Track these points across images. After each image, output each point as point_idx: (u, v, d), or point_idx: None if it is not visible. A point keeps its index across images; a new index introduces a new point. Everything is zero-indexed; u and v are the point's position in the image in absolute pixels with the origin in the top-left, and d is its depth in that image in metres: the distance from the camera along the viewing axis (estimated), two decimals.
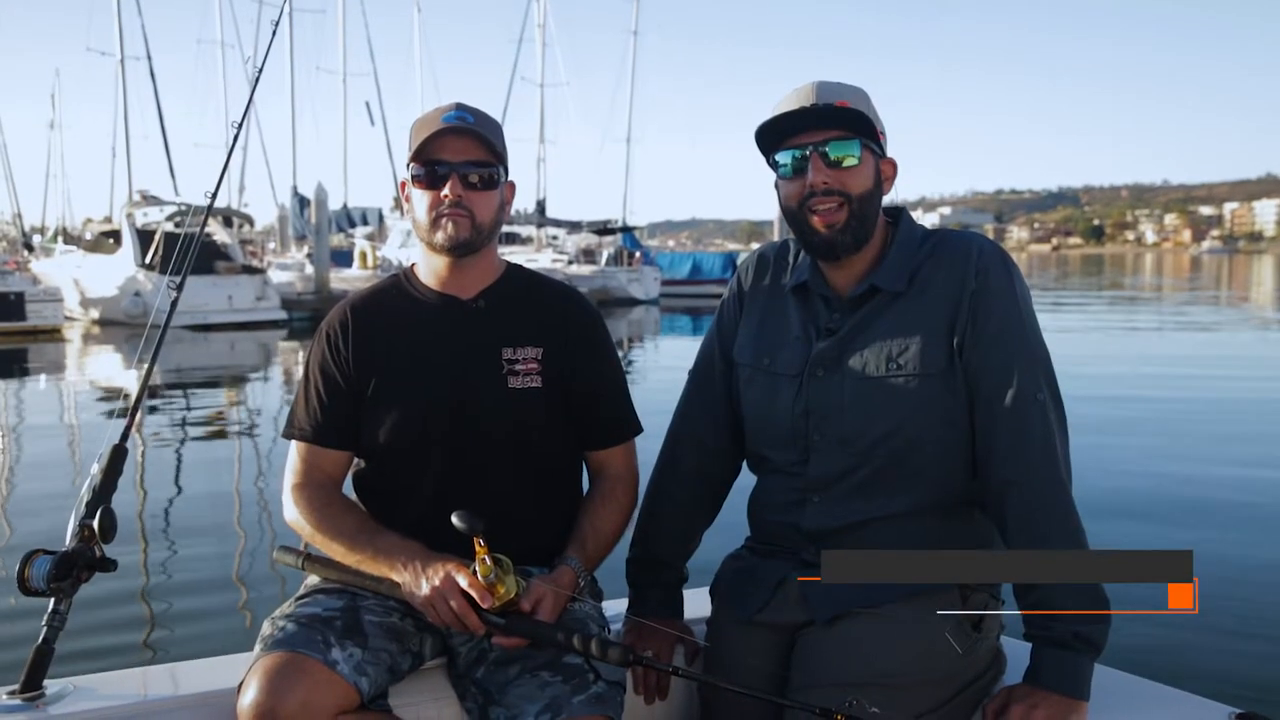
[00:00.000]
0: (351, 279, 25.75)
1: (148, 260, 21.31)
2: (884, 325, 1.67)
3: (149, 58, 31.63)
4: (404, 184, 1.80)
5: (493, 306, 1.83)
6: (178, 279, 1.88)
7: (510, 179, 1.85)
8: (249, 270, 22.83)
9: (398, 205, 35.04)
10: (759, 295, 1.85)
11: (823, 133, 1.65)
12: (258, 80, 1.99)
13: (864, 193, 1.66)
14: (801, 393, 1.71)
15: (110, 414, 10.86)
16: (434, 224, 1.75)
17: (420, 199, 1.76)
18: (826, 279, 1.75)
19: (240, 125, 1.98)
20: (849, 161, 1.65)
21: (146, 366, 1.83)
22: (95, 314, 22.47)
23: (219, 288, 21.04)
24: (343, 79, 39.33)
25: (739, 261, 2.12)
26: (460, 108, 1.77)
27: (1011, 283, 1.64)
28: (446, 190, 1.73)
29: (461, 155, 1.74)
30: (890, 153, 1.74)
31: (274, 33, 2.07)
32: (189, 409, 11.14)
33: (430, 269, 1.85)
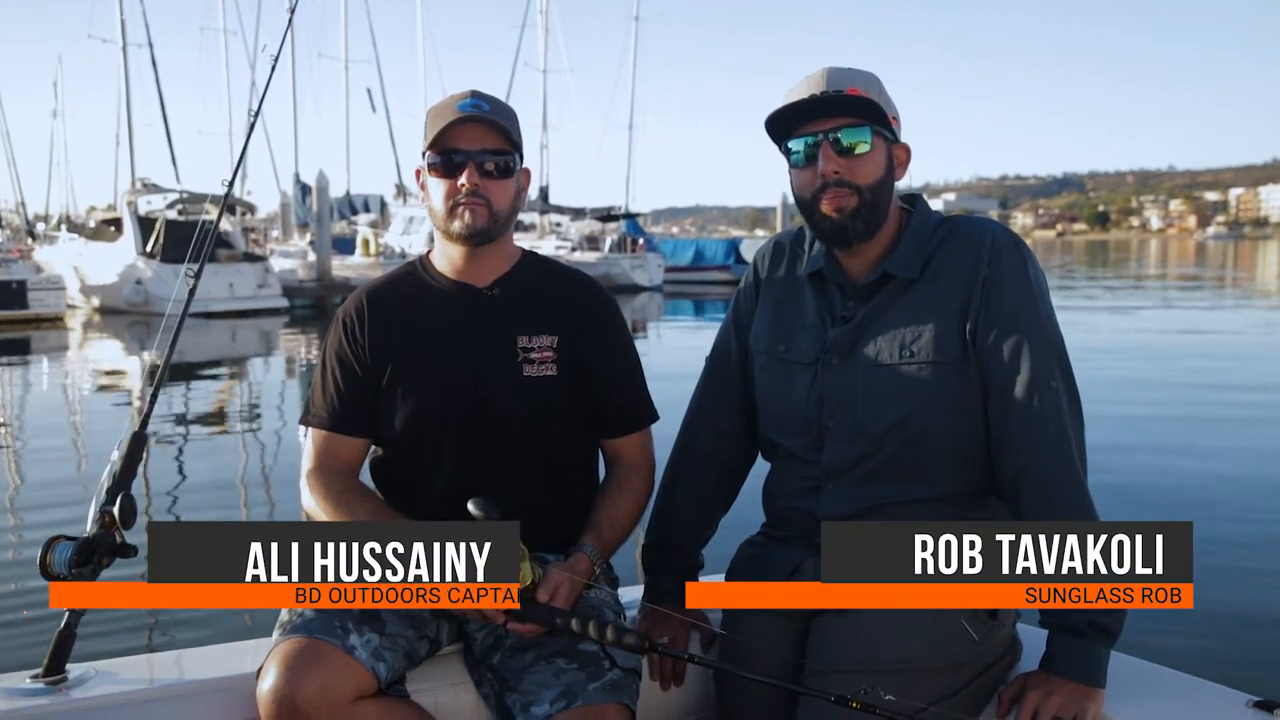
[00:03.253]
0: (354, 266, 25.71)
1: (149, 248, 21.29)
2: (897, 312, 1.67)
3: (151, 45, 31.36)
4: (419, 172, 1.80)
5: (508, 294, 1.84)
6: (194, 267, 1.88)
7: (525, 165, 1.85)
8: (251, 258, 22.77)
9: (400, 192, 34.92)
10: (775, 283, 1.85)
11: (833, 120, 1.64)
12: (274, 68, 1.99)
13: (875, 181, 1.65)
14: (816, 380, 1.72)
15: (115, 401, 10.88)
16: (451, 213, 1.75)
17: (437, 188, 1.76)
18: (841, 266, 1.75)
19: (256, 114, 1.98)
20: (860, 149, 1.64)
21: (165, 355, 1.83)
22: (96, 302, 22.45)
23: (220, 275, 20.95)
24: (345, 65, 39.09)
25: (749, 249, 2.11)
26: (475, 95, 1.77)
27: (1025, 269, 1.64)
28: (463, 179, 1.73)
29: (477, 144, 1.74)
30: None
31: (290, 19, 2.08)
32: (195, 397, 11.15)
33: (446, 257, 1.85)
